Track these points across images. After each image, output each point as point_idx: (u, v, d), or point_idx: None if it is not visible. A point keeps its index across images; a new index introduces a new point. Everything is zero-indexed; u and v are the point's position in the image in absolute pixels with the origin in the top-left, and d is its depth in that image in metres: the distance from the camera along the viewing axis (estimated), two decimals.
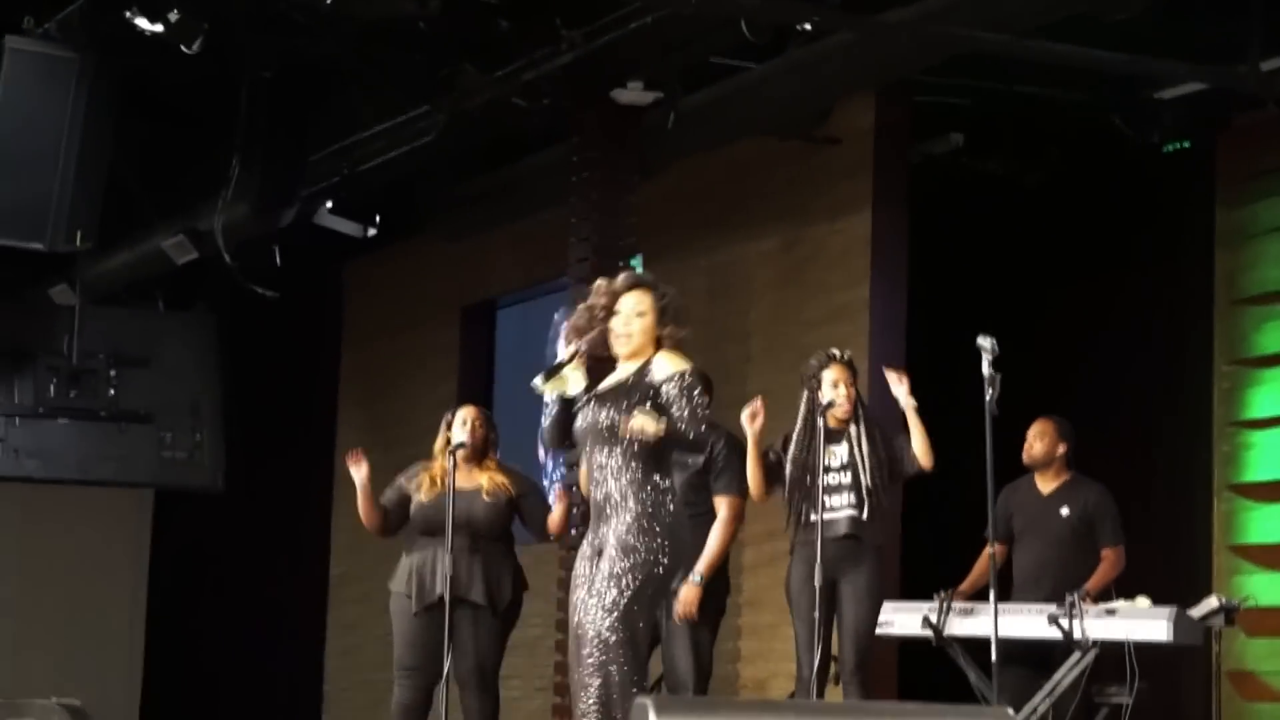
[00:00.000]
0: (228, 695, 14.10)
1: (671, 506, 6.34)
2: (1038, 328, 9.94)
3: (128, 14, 9.02)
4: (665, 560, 6.30)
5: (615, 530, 6.29)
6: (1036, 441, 8.51)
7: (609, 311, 6.42)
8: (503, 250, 12.87)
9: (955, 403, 8.12)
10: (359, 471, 8.25)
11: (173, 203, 11.99)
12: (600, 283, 6.54)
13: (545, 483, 11.05)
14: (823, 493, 7.87)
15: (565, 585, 10.63)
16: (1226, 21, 8.71)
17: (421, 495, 8.28)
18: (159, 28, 8.99)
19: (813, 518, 7.86)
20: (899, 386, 7.95)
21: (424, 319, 13.70)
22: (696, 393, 6.29)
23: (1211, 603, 7.81)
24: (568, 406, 6.46)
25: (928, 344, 9.80)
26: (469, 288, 13.39)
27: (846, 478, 7.99)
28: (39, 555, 15.06)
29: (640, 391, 6.32)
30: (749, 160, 10.99)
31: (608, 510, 6.32)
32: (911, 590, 8.64)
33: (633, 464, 6.32)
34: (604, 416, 6.34)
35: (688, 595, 8.00)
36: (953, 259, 10.47)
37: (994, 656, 7.49)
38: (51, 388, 12.65)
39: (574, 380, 6.45)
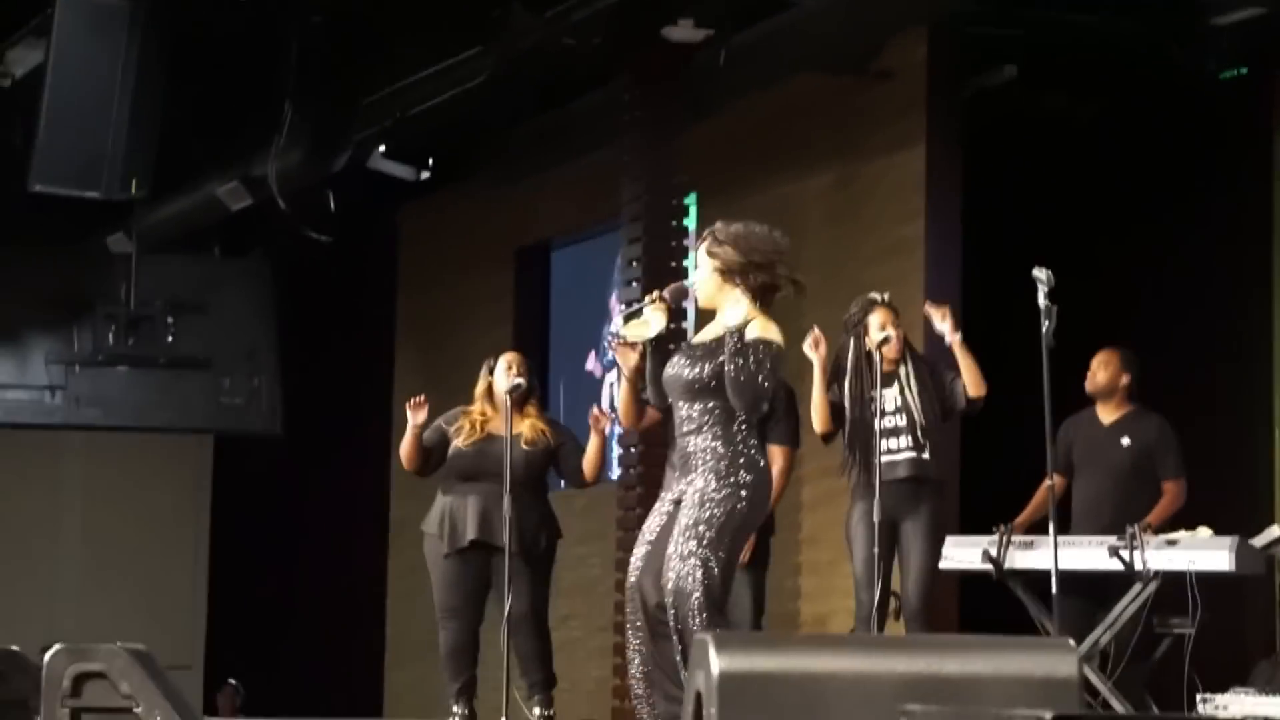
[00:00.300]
0: (291, 639, 14.20)
1: (755, 457, 6.30)
2: (1095, 260, 9.86)
3: None
4: (744, 510, 6.25)
5: (695, 484, 6.25)
6: (1100, 370, 8.45)
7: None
8: (556, 192, 12.84)
9: (1012, 336, 8.08)
10: (416, 417, 8.26)
11: (227, 149, 12.01)
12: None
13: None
14: (880, 437, 7.85)
15: (624, 525, 10.68)
16: None
17: (460, 440, 8.30)
18: None
19: (872, 461, 7.84)
20: (942, 323, 7.92)
21: (478, 263, 13.69)
22: (753, 359, 6.23)
23: (1274, 531, 7.75)
24: (657, 359, 6.43)
25: (983, 278, 9.74)
26: (523, 230, 13.37)
27: (901, 420, 8.00)
28: (102, 503, 15.18)
29: (729, 348, 6.27)
30: (801, 97, 10.93)
31: (692, 463, 6.27)
32: (971, 525, 8.61)
33: (715, 417, 6.28)
34: (692, 370, 6.32)
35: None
36: (1008, 192, 10.40)
37: (1054, 589, 7.46)
38: (110, 336, 12.70)
39: (655, 321, 6.38)
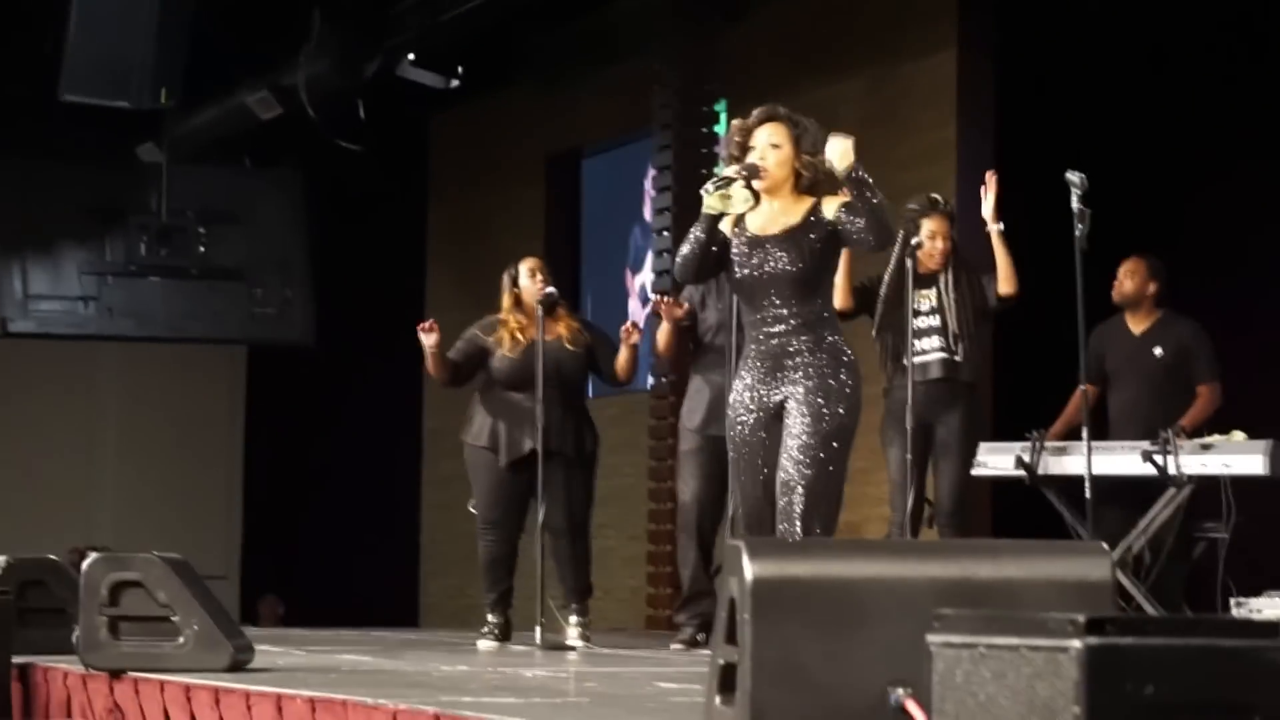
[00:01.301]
0: (325, 549, 14.26)
1: (852, 357, 5.97)
2: (1132, 164, 9.78)
3: None
4: (849, 414, 5.91)
5: (799, 389, 5.88)
6: (1126, 279, 8.42)
7: (743, 149, 6.02)
8: (588, 100, 12.79)
9: (1047, 240, 8.02)
10: (429, 339, 8.20)
11: (256, 59, 11.98)
12: (735, 123, 6.16)
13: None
14: (913, 336, 7.84)
15: (657, 434, 10.69)
16: None
17: (505, 350, 8.25)
18: None
19: (904, 361, 7.83)
20: (987, 201, 7.88)
21: (510, 171, 13.66)
22: (875, 196, 5.89)
23: None
24: (713, 235, 6.00)
25: (1018, 182, 9.67)
26: (554, 139, 13.33)
27: (935, 321, 7.98)
28: (136, 413, 15.24)
29: (818, 232, 5.95)
30: (833, 1, 10.85)
31: (786, 363, 5.90)
32: (1004, 431, 8.60)
33: (811, 314, 5.94)
34: (777, 261, 5.93)
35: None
36: (1043, 95, 10.30)
37: (1088, 494, 7.46)
38: (142, 246, 12.71)
39: (740, 198, 5.94)
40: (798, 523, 5.77)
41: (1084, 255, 7.36)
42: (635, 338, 8.27)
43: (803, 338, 5.91)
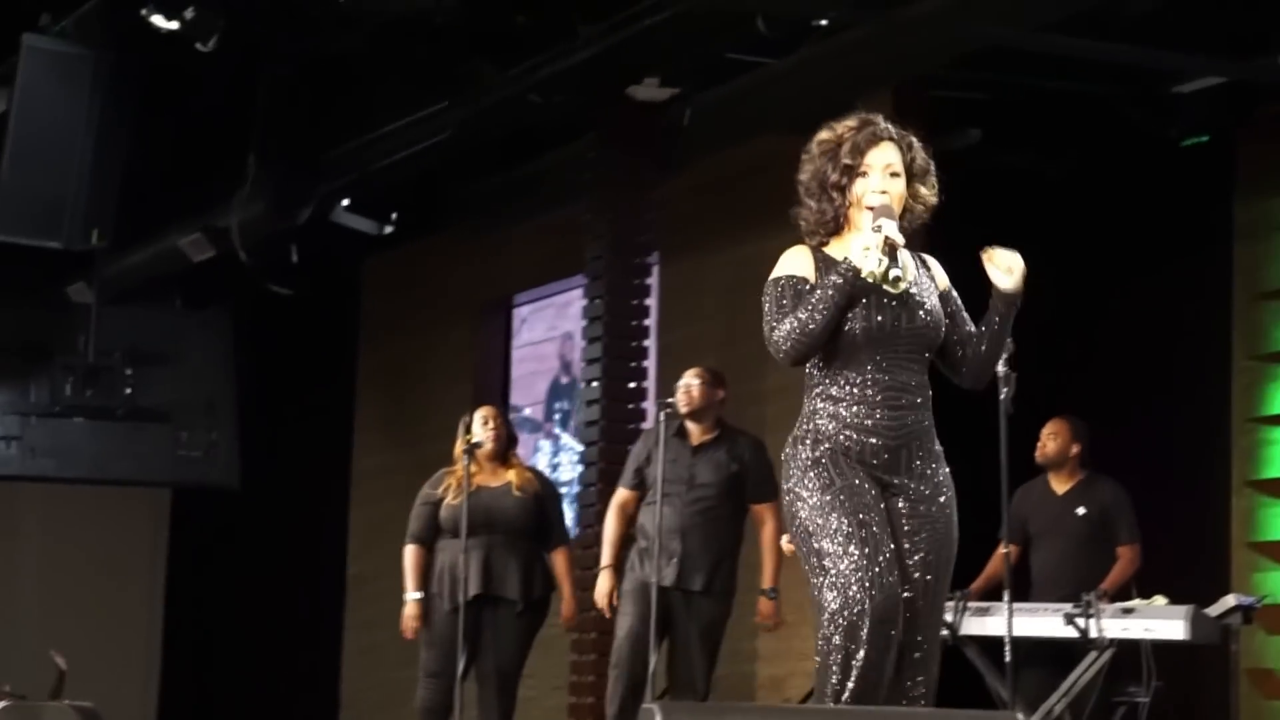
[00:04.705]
0: (245, 695, 14.10)
1: None
2: (1056, 323, 9.88)
3: (144, 11, 9.03)
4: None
5: (923, 469, 4.83)
6: (1050, 441, 8.48)
7: (850, 173, 4.85)
8: (520, 247, 12.84)
9: (972, 401, 8.05)
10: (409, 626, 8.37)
11: (190, 200, 11.99)
12: (823, 136, 4.93)
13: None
14: None
15: (583, 584, 10.63)
16: (1245, 14, 8.65)
17: (450, 497, 8.32)
18: (175, 25, 9.01)
19: None
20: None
21: (441, 317, 13.68)
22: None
23: (1228, 601, 7.76)
24: (848, 303, 4.79)
25: None
26: (486, 285, 13.36)
27: None
28: (56, 555, 15.07)
29: (939, 290, 4.92)
30: (768, 156, 10.93)
31: (915, 448, 4.82)
32: None
33: (927, 388, 4.89)
34: (909, 318, 4.85)
35: (768, 609, 8.18)
36: (973, 254, 10.40)
37: (1008, 656, 7.45)
38: (68, 386, 12.63)
39: (910, 269, 4.88)
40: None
41: (1007, 417, 7.39)
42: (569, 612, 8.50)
43: (928, 414, 4.93)
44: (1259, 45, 8.76)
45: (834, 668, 4.68)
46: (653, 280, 10.69)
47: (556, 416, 13.15)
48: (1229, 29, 8.80)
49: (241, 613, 14.38)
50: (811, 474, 4.80)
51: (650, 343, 10.60)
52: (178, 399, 12.84)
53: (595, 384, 10.54)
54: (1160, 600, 7.74)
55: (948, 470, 4.91)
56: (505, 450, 8.37)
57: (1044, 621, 7.82)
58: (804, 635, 8.61)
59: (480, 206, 12.60)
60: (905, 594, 4.74)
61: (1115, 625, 7.67)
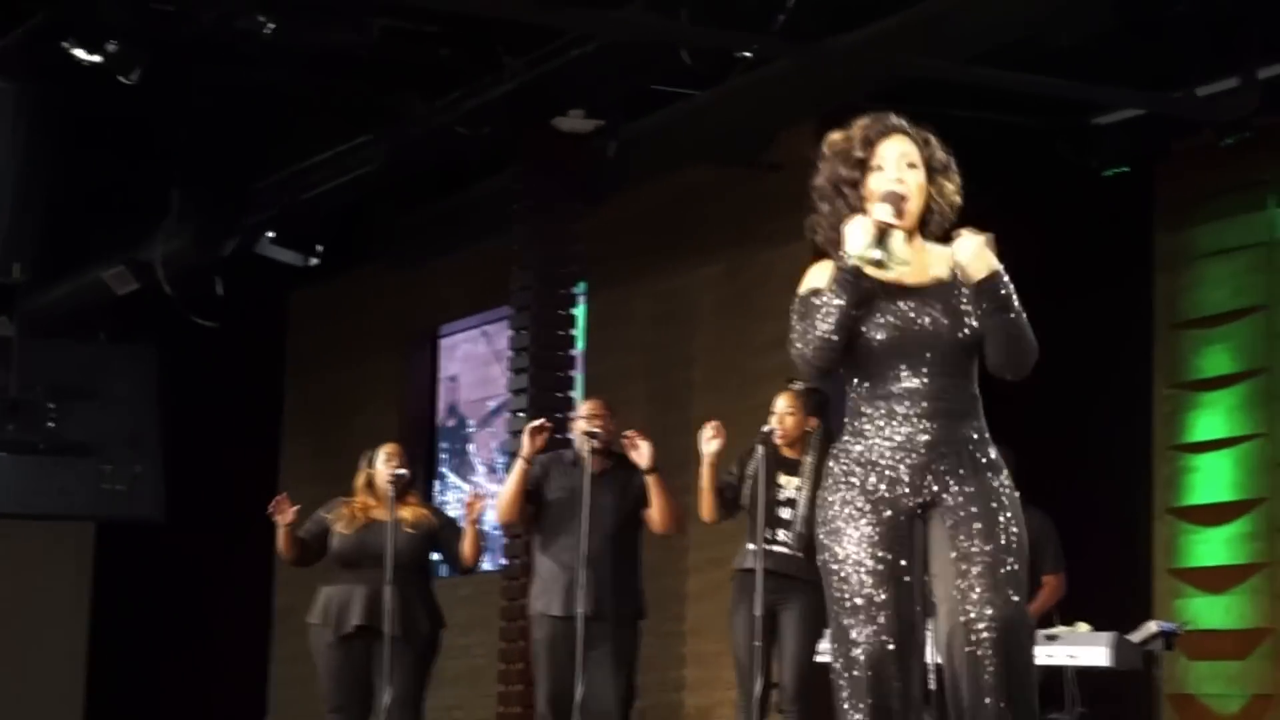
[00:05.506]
0: None
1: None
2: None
3: (65, 45, 8.97)
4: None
5: (983, 486, 4.56)
6: None
7: (862, 167, 4.61)
8: (446, 279, 12.84)
9: None
10: (281, 518, 8.28)
11: (114, 233, 11.93)
12: (834, 136, 4.70)
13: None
14: (770, 525, 7.73)
15: (508, 615, 10.62)
16: (1165, 48, 8.75)
17: (342, 528, 8.33)
18: (97, 59, 8.95)
19: (749, 546, 7.76)
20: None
21: (367, 348, 13.66)
22: (1018, 310, 4.62)
23: (1151, 628, 7.82)
24: (862, 297, 4.53)
25: None
26: (412, 317, 13.36)
27: (787, 513, 7.83)
28: None
29: (966, 288, 4.54)
30: (693, 187, 10.99)
31: (955, 455, 4.55)
32: None
33: (972, 392, 4.61)
34: (960, 320, 4.57)
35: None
36: None
37: (932, 684, 7.47)
38: None
39: (901, 253, 4.54)
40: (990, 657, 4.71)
41: None
42: (478, 509, 8.33)
43: (973, 423, 4.69)
44: (1178, 79, 8.86)
45: (852, 702, 4.59)
46: (579, 310, 10.72)
47: (444, 456, 13.21)
48: (1149, 63, 8.89)
49: (167, 646, 14.28)
50: (836, 503, 4.57)
51: (576, 373, 10.61)
52: (101, 432, 12.76)
53: (521, 414, 10.54)
54: (1083, 627, 7.79)
55: (1005, 479, 4.61)
56: (405, 489, 8.41)
57: None
58: (729, 665, 8.61)
59: (406, 238, 12.60)
60: (959, 583, 4.60)
61: (1039, 652, 7.70)
